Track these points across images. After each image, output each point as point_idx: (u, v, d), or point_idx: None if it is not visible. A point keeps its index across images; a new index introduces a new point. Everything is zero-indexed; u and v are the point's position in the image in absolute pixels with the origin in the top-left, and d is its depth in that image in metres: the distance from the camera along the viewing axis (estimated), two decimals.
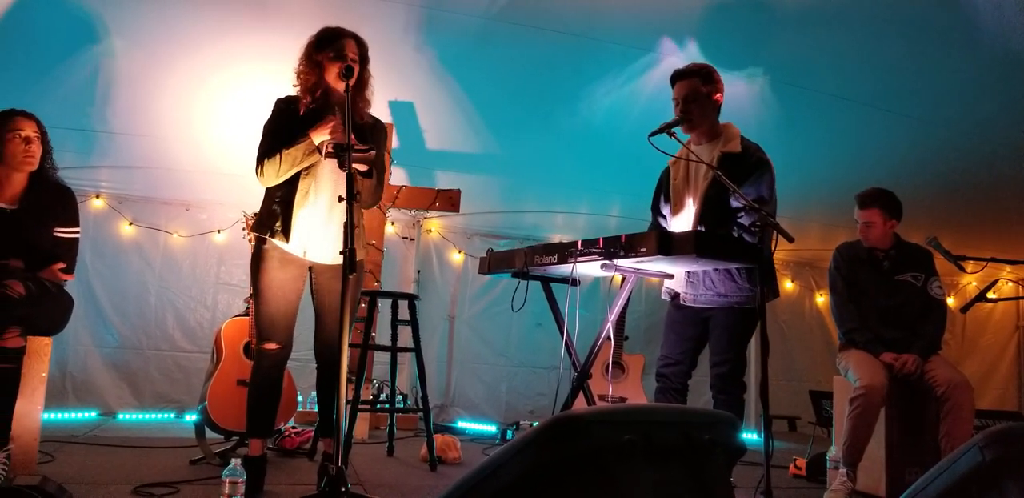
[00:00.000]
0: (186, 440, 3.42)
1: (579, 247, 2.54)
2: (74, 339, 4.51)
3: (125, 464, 2.96)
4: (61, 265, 2.66)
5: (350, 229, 2.17)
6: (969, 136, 4.32)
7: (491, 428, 4.94)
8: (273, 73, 3.09)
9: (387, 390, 4.22)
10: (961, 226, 5.41)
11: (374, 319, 3.61)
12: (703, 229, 2.62)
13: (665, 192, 2.87)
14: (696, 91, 2.67)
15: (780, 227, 2.30)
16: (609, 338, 2.87)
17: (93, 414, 4.50)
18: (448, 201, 4.63)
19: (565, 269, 2.67)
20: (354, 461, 3.26)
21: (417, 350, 3.38)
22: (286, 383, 3.03)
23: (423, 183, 4.82)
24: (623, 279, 2.75)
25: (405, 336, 3.54)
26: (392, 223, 5.13)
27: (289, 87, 2.65)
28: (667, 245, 2.31)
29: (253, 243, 2.80)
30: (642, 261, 2.42)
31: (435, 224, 5.48)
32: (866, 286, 3.29)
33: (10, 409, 2.41)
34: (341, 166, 2.29)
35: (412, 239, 5.34)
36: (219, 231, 4.90)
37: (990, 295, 3.51)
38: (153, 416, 4.61)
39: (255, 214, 2.93)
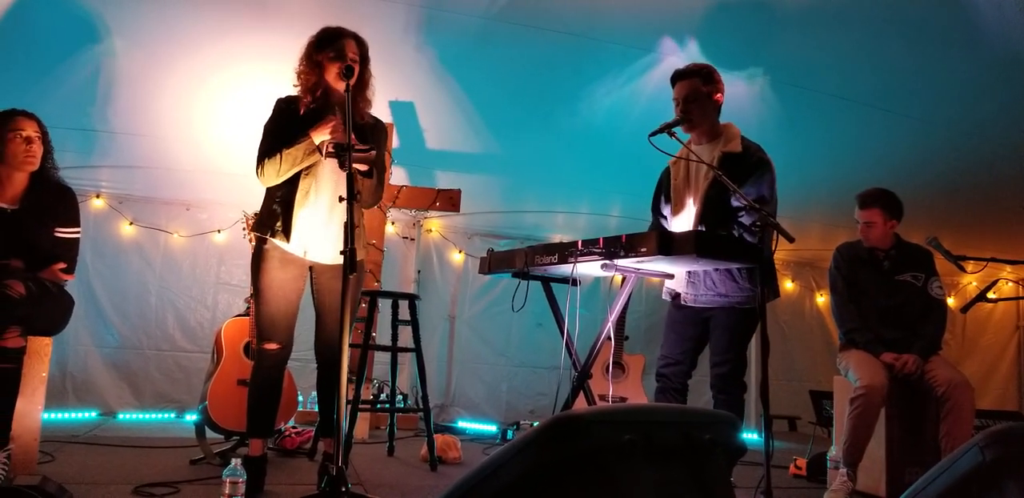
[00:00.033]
0: (186, 440, 3.42)
1: (579, 247, 2.54)
2: (74, 339, 4.51)
3: (125, 464, 2.96)
4: (62, 265, 2.66)
5: (350, 229, 2.17)
6: (969, 136, 4.32)
7: (491, 428, 4.94)
8: (273, 73, 3.09)
9: (387, 390, 4.22)
10: (961, 226, 5.41)
11: (374, 319, 3.61)
12: (703, 229, 2.62)
13: (665, 192, 2.87)
14: (696, 91, 2.67)
15: (780, 227, 2.30)
16: (609, 338, 2.87)
17: (93, 414, 4.50)
18: (448, 201, 4.63)
19: (565, 269, 2.67)
20: (354, 461, 3.26)
21: (417, 350, 3.38)
22: (286, 383, 3.03)
23: (423, 183, 4.82)
24: (623, 279, 2.75)
25: (405, 336, 3.54)
26: (392, 223, 5.13)
27: (289, 87, 2.65)
28: (667, 245, 2.31)
29: (253, 243, 2.80)
30: (642, 261, 2.42)
31: (435, 224, 5.48)
32: (866, 286, 3.29)
33: (10, 409, 2.41)
34: (341, 166, 2.29)
35: (412, 239, 5.34)
36: (219, 231, 4.90)
37: (990, 295, 3.51)
38: (153, 416, 4.61)
39: (255, 214, 2.93)
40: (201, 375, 4.04)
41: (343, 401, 2.11)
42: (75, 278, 2.80)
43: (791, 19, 3.50)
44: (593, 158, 4.68)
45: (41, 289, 2.51)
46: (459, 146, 4.65)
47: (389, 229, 5.02)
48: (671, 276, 2.76)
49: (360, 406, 3.42)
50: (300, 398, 4.19)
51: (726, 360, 2.62)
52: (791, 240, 2.29)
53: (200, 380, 3.95)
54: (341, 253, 2.17)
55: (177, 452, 3.29)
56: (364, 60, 2.63)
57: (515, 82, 4.10)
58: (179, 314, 4.82)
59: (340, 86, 2.54)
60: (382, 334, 4.33)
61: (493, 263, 3.01)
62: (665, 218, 2.88)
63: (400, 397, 4.46)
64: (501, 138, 4.53)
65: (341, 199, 2.22)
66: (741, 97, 3.82)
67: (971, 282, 6.84)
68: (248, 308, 3.43)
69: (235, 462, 2.17)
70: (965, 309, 3.53)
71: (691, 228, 2.65)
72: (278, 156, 2.51)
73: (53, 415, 4.23)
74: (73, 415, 4.41)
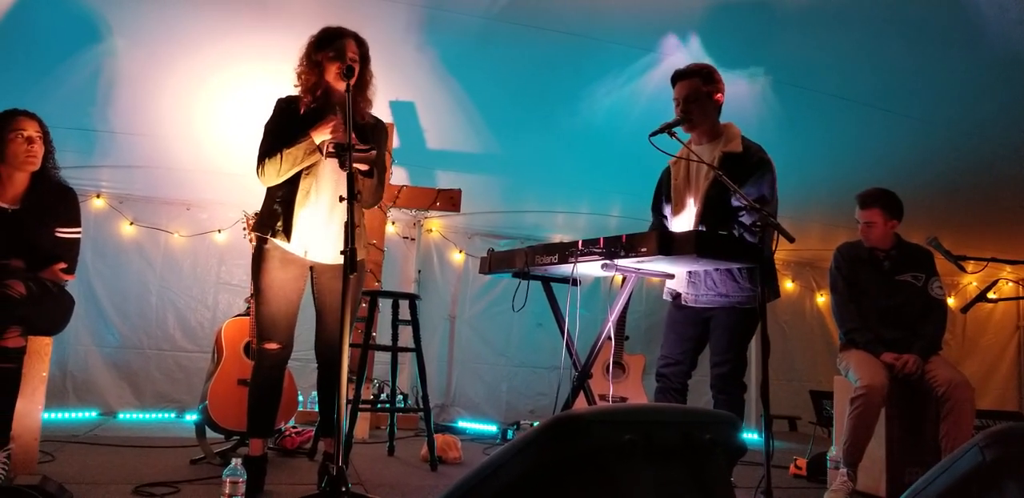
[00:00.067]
0: (186, 440, 3.43)
1: (580, 247, 2.55)
2: (75, 339, 4.52)
3: (126, 464, 2.96)
4: (62, 265, 2.66)
5: (351, 229, 2.17)
6: (969, 136, 4.32)
7: (492, 428, 4.94)
8: (274, 73, 3.10)
9: (388, 390, 4.22)
10: (961, 226, 5.41)
11: (375, 319, 3.61)
12: (704, 229, 2.62)
13: (666, 192, 2.87)
14: (697, 91, 2.67)
15: (781, 227, 2.30)
16: (610, 338, 2.87)
17: (94, 414, 4.50)
18: (449, 201, 4.63)
19: (566, 269, 2.67)
20: (355, 461, 3.26)
21: (418, 350, 3.38)
22: (287, 383, 3.03)
23: (424, 183, 4.82)
24: (624, 279, 2.75)
25: (406, 336, 3.54)
26: (393, 223, 5.13)
27: (290, 87, 2.65)
28: (668, 245, 2.31)
29: (254, 243, 2.80)
30: (643, 261, 2.42)
31: (436, 224, 5.48)
32: (867, 286, 3.29)
33: (11, 409, 2.41)
34: (342, 166, 2.29)
35: (413, 239, 5.34)
36: (220, 231, 4.90)
37: (990, 295, 3.51)
38: (154, 416, 4.61)
39: (256, 214, 2.93)
40: (201, 375, 4.04)
41: (343, 401, 2.11)
42: (75, 278, 2.79)
43: (791, 19, 3.50)
44: (593, 158, 4.68)
45: (42, 289, 2.51)
46: (460, 146, 4.65)
47: (389, 229, 5.02)
48: (671, 276, 2.76)
49: (360, 406, 3.42)
50: (300, 398, 4.19)
51: (726, 360, 2.62)
52: (791, 240, 2.29)
53: (200, 380, 3.95)
54: (341, 253, 2.17)
55: (177, 452, 3.29)
56: (364, 60, 2.63)
57: (515, 82, 4.10)
58: (179, 314, 4.82)
59: (340, 86, 2.54)
60: (382, 334, 4.33)
61: (493, 263, 3.01)
62: (665, 218, 2.88)
63: (400, 397, 4.46)
64: (501, 138, 4.53)
65: (341, 199, 2.22)
66: (741, 97, 3.82)
67: (971, 282, 6.84)
68: (248, 308, 3.43)
69: (235, 462, 2.17)
70: (965, 309, 3.53)
71: (691, 228, 2.65)
72: (279, 156, 2.51)
73: (53, 415, 4.23)
74: (73, 415, 4.41)
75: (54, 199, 2.69)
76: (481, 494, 1.08)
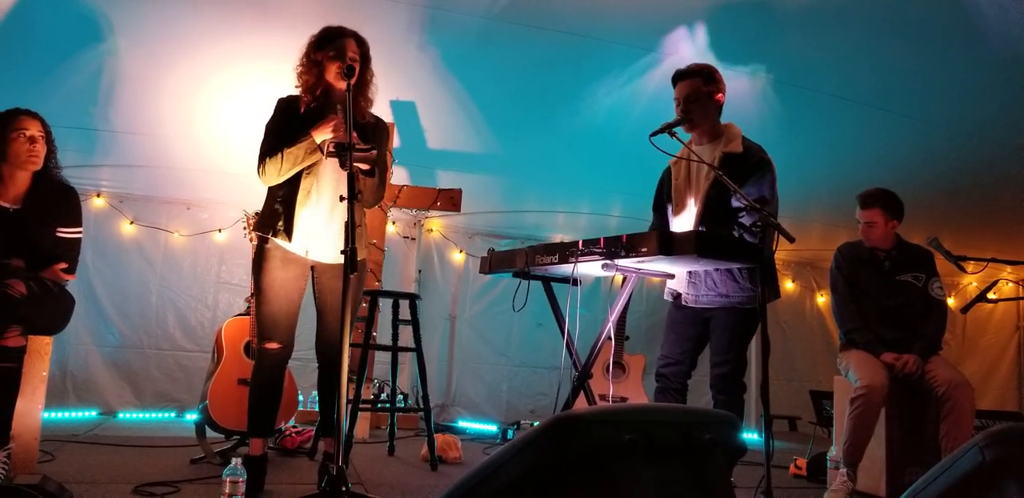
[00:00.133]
0: (187, 439, 3.43)
1: (580, 247, 2.55)
2: (75, 338, 4.51)
3: (125, 463, 2.96)
4: (63, 265, 2.65)
5: (351, 228, 2.17)
6: (970, 136, 4.33)
7: (492, 428, 4.94)
8: (275, 73, 3.10)
9: (388, 389, 4.22)
10: (962, 226, 5.41)
11: (375, 318, 3.61)
12: (704, 229, 2.62)
13: (667, 192, 2.87)
14: (698, 91, 2.67)
15: (781, 227, 2.30)
16: (610, 338, 2.87)
17: (93, 413, 4.50)
18: (449, 201, 4.63)
19: (566, 269, 2.67)
20: (355, 460, 3.26)
21: (418, 350, 3.38)
22: (287, 383, 3.03)
23: (424, 183, 4.82)
24: (624, 279, 2.75)
25: (406, 335, 3.54)
26: (393, 222, 5.13)
27: (291, 87, 2.65)
28: (668, 245, 2.31)
29: (255, 242, 2.80)
30: (643, 261, 2.42)
31: (436, 224, 5.48)
32: (867, 286, 3.29)
33: (11, 408, 2.41)
34: (342, 165, 2.29)
35: (413, 238, 5.34)
36: (220, 230, 4.90)
37: (990, 295, 3.52)
38: (154, 415, 4.61)
39: (256, 213, 2.93)
40: (201, 374, 4.04)
41: (343, 401, 2.11)
42: (76, 278, 2.79)
43: (791, 19, 3.50)
44: (594, 158, 4.68)
45: (42, 289, 2.51)
46: (460, 146, 4.65)
47: (390, 229, 5.02)
48: (672, 276, 2.76)
49: (360, 406, 3.42)
50: (300, 398, 4.19)
51: (726, 360, 2.62)
52: (791, 240, 2.29)
53: (200, 379, 3.95)
54: (342, 252, 2.17)
55: (177, 451, 3.29)
56: (365, 59, 2.63)
57: (516, 82, 4.10)
58: (180, 313, 4.82)
59: (341, 85, 2.54)
60: (383, 334, 4.33)
61: (494, 263, 3.01)
62: (666, 218, 2.88)
63: (400, 397, 4.46)
64: (502, 138, 4.53)
65: (342, 198, 2.22)
66: (742, 96, 3.83)
67: (971, 282, 6.84)
68: (248, 307, 3.43)
69: (235, 461, 2.17)
70: (965, 309, 3.53)
71: (692, 228, 2.65)
72: (279, 155, 2.51)
73: (53, 414, 4.23)
74: (73, 414, 4.41)
75: (56, 199, 2.69)
76: (481, 494, 1.08)
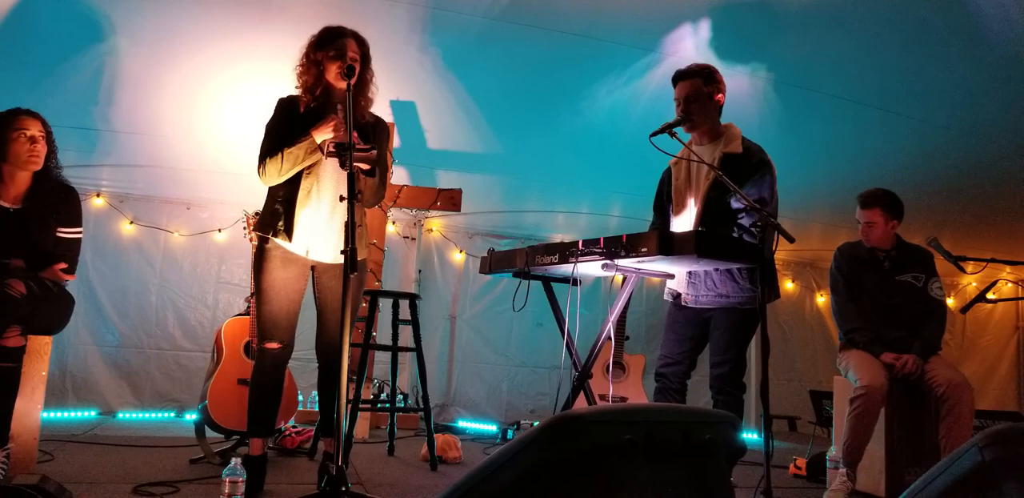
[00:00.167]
0: (186, 439, 3.43)
1: (580, 247, 2.55)
2: (74, 338, 4.51)
3: (125, 463, 2.96)
4: (63, 265, 2.65)
5: (351, 228, 2.17)
6: (969, 136, 4.33)
7: (492, 428, 4.94)
8: (275, 73, 3.10)
9: (388, 389, 4.22)
10: (961, 227, 5.42)
11: (375, 318, 3.61)
12: (704, 230, 2.62)
13: (667, 192, 2.87)
14: (698, 91, 2.67)
15: (781, 227, 2.30)
16: (610, 338, 2.87)
17: (93, 413, 4.50)
18: (449, 201, 4.63)
19: (566, 269, 2.67)
20: (354, 460, 3.26)
21: (418, 350, 3.38)
22: (287, 383, 3.03)
23: (424, 182, 4.82)
24: (624, 279, 2.75)
25: (406, 335, 3.54)
26: (393, 222, 5.13)
27: (291, 87, 2.65)
28: (668, 245, 2.31)
29: (255, 242, 2.81)
30: (643, 261, 2.42)
31: (436, 224, 5.48)
32: (867, 286, 3.29)
33: (10, 408, 2.41)
34: (342, 165, 2.29)
35: (413, 238, 5.34)
36: (220, 230, 4.90)
37: (990, 296, 3.52)
38: (153, 415, 4.61)
39: (256, 213, 2.92)
40: (201, 374, 4.05)
41: (343, 400, 2.11)
42: (76, 278, 2.79)
43: (792, 20, 3.50)
44: (594, 158, 4.68)
45: (42, 288, 2.51)
46: (460, 146, 4.66)
47: (390, 229, 5.02)
48: (671, 276, 2.76)
49: (360, 406, 3.42)
50: (300, 398, 4.19)
51: (726, 360, 2.62)
52: (791, 240, 2.29)
53: (200, 379, 3.95)
54: (342, 252, 2.17)
55: (177, 451, 3.29)
56: (365, 59, 2.63)
57: (516, 82, 4.10)
58: (179, 313, 4.82)
59: (341, 85, 2.54)
60: (383, 333, 4.33)
61: (494, 263, 3.01)
62: (667, 218, 2.88)
63: (400, 397, 4.46)
64: (502, 138, 4.54)
65: (342, 198, 2.22)
66: (742, 96, 3.83)
67: (971, 283, 6.84)
68: (248, 307, 3.43)
69: (235, 461, 2.17)
70: (965, 309, 3.54)
71: (692, 228, 2.65)
72: (280, 155, 2.51)
73: (53, 414, 4.23)
74: (73, 414, 4.41)
75: (56, 199, 2.69)
76: (481, 494, 1.08)
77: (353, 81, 2.42)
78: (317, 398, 2.93)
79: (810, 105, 4.12)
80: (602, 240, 2.48)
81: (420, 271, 5.35)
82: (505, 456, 1.07)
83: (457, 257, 5.52)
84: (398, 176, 4.73)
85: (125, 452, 3.24)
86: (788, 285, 6.39)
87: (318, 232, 2.60)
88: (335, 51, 2.55)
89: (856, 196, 3.34)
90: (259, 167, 2.56)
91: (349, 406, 3.14)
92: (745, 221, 2.54)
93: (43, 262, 2.61)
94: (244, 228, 3.67)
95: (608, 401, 3.98)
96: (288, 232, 2.55)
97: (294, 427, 3.60)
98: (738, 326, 2.64)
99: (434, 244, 5.50)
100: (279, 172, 2.54)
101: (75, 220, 2.75)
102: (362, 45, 2.63)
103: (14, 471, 2.38)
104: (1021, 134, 4.24)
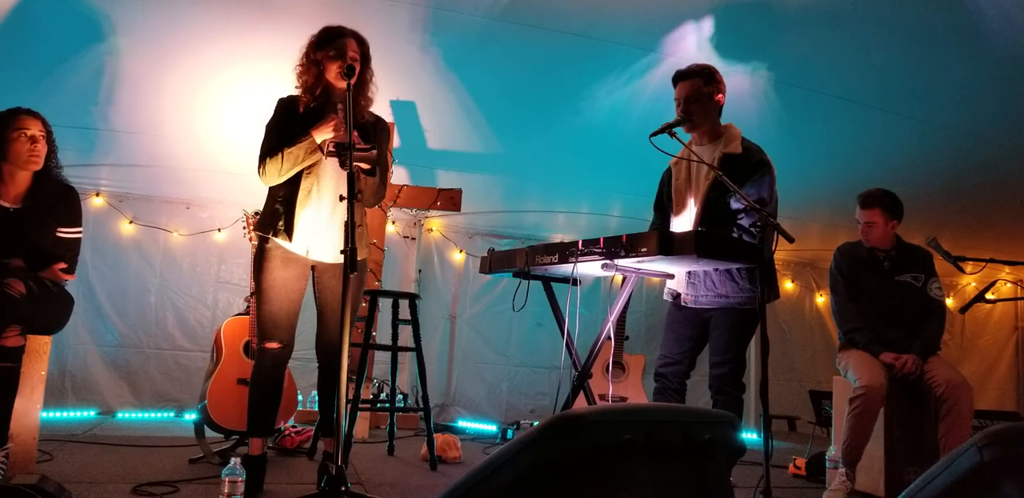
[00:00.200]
0: (186, 439, 3.43)
1: (580, 247, 2.55)
2: (74, 338, 4.51)
3: (124, 463, 2.96)
4: (62, 265, 2.65)
5: (351, 228, 2.17)
6: (969, 137, 4.33)
7: (492, 427, 4.94)
8: (276, 73, 3.09)
9: (387, 389, 4.22)
10: (961, 227, 5.42)
11: (375, 318, 3.61)
12: (703, 230, 2.62)
13: (667, 192, 2.88)
14: (698, 91, 2.67)
15: (781, 228, 2.31)
16: (610, 338, 2.87)
17: (92, 413, 4.49)
18: (449, 200, 4.63)
19: (566, 269, 2.67)
20: (354, 460, 3.26)
21: (418, 349, 3.38)
22: (286, 382, 3.03)
23: (424, 182, 4.82)
24: (624, 279, 2.75)
25: (406, 335, 3.54)
26: (393, 222, 5.13)
27: (291, 87, 2.65)
28: (668, 245, 2.31)
29: (255, 242, 2.81)
30: (643, 261, 2.42)
31: (436, 223, 5.49)
32: (867, 286, 3.29)
33: (9, 408, 2.41)
34: (342, 165, 2.29)
35: (413, 238, 5.34)
36: (219, 230, 4.90)
37: (989, 296, 3.52)
38: (152, 415, 4.61)
39: (256, 213, 2.92)
40: (201, 374, 4.05)
41: (343, 400, 2.11)
42: (75, 278, 2.79)
43: (792, 20, 3.50)
44: (594, 158, 4.69)
45: (41, 288, 2.51)
46: (460, 146, 4.66)
47: (390, 228, 5.02)
48: (671, 276, 2.76)
49: (360, 405, 3.42)
50: (300, 397, 4.19)
51: (725, 361, 2.62)
52: (791, 240, 2.29)
53: (200, 379, 3.95)
54: (342, 252, 2.17)
55: (176, 451, 3.29)
56: (365, 59, 2.63)
57: (517, 82, 4.10)
58: (179, 313, 4.82)
59: (341, 85, 2.54)
60: (382, 333, 4.33)
61: (494, 263, 3.01)
62: (667, 218, 2.88)
63: (400, 396, 4.46)
64: (502, 138, 4.54)
65: (342, 198, 2.22)
66: (742, 96, 3.83)
67: (970, 283, 6.84)
68: (248, 307, 3.43)
69: (234, 461, 2.17)
70: (964, 310, 3.54)
71: (691, 229, 2.65)
72: (280, 155, 2.51)
73: (52, 414, 4.23)
74: (72, 414, 4.41)
75: (56, 199, 2.69)
76: (481, 494, 1.08)
77: (353, 81, 2.42)
78: (317, 398, 2.93)
79: (810, 105, 4.12)
80: (602, 240, 2.48)
81: (420, 271, 5.35)
82: (505, 456, 1.07)
83: (457, 257, 5.52)
84: (398, 176, 4.73)
85: (124, 452, 3.24)
86: (788, 285, 6.39)
87: (318, 232, 2.60)
88: (335, 51, 2.55)
89: (856, 196, 3.34)
90: (259, 167, 2.56)
91: (349, 406, 3.14)
92: (745, 221, 2.54)
93: (43, 262, 2.61)
94: (244, 228, 3.67)
95: (608, 401, 3.98)
96: (288, 232, 2.55)
97: (294, 427, 3.60)
98: (738, 326, 2.64)
99: (434, 244, 5.50)
100: (279, 172, 2.54)
101: (75, 220, 2.75)
102: (362, 45, 2.63)
103: (13, 471, 2.38)
104: (1021, 134, 4.24)
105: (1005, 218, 5.41)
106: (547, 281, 2.97)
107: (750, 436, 5.47)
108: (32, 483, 2.02)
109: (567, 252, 2.60)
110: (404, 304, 3.51)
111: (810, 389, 4.91)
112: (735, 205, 2.56)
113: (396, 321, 3.62)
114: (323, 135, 2.51)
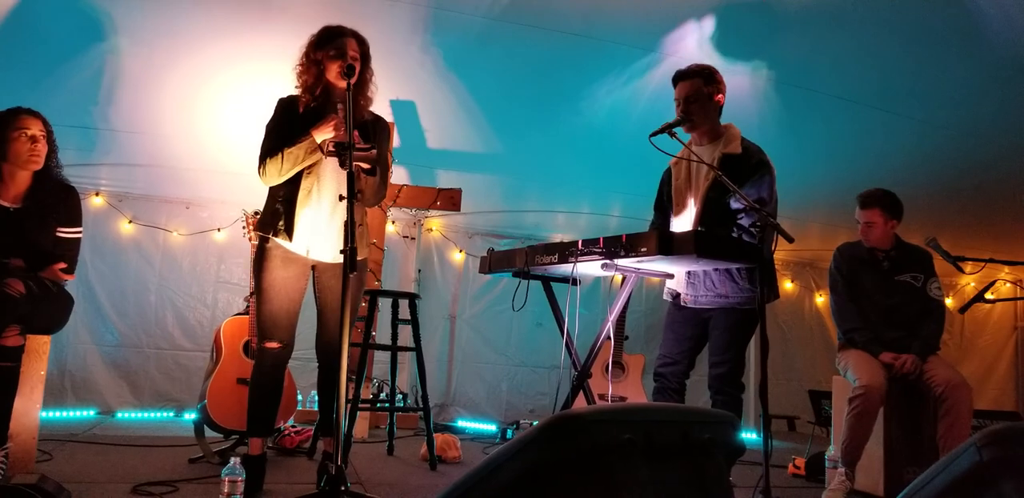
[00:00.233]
0: (185, 439, 3.43)
1: (580, 247, 2.55)
2: (73, 337, 4.51)
3: (124, 463, 2.96)
4: (62, 265, 2.65)
5: (351, 228, 2.17)
6: (969, 137, 4.33)
7: (491, 427, 4.94)
8: (276, 72, 3.09)
9: (387, 389, 4.22)
10: (960, 227, 5.42)
11: (375, 318, 3.61)
12: (703, 229, 2.62)
13: (667, 192, 2.88)
14: (698, 91, 2.67)
15: (780, 228, 2.31)
16: (609, 338, 2.87)
17: (92, 413, 4.49)
18: (449, 200, 4.63)
19: (566, 269, 2.67)
20: (354, 460, 3.26)
21: (417, 349, 3.38)
22: (286, 382, 3.03)
23: (424, 182, 4.82)
24: (623, 279, 2.75)
25: (405, 335, 3.54)
26: (393, 222, 5.13)
27: (291, 87, 2.65)
28: (667, 245, 2.31)
29: (255, 242, 2.81)
30: (642, 261, 2.42)
31: (436, 223, 5.49)
32: (866, 286, 3.30)
33: (9, 407, 2.41)
34: (342, 165, 2.29)
35: (413, 238, 5.34)
36: (219, 229, 4.90)
37: (988, 296, 3.52)
38: (152, 415, 4.61)
39: (256, 213, 2.92)
40: (200, 374, 4.04)
41: (343, 400, 2.11)
42: (75, 278, 2.79)
43: (792, 20, 3.50)
44: (594, 158, 4.69)
45: (41, 288, 2.51)
46: (460, 145, 4.66)
47: (390, 228, 5.02)
48: (671, 276, 2.76)
49: (360, 405, 3.42)
50: (300, 397, 4.19)
51: (724, 360, 2.63)
52: (791, 240, 2.29)
53: (199, 379, 3.95)
54: (342, 252, 2.17)
55: (176, 451, 3.29)
56: (365, 58, 2.63)
57: (517, 82, 4.10)
58: (178, 312, 4.81)
59: (341, 84, 2.54)
60: (382, 333, 4.33)
61: (494, 262, 3.01)
62: (668, 217, 2.88)
63: (400, 396, 4.46)
64: (502, 137, 4.54)
65: (342, 198, 2.22)
66: (742, 96, 3.83)
67: (969, 283, 6.84)
68: (248, 307, 3.43)
69: (234, 461, 2.17)
70: (963, 310, 3.54)
71: (691, 228, 2.66)
72: (280, 155, 2.51)
73: (51, 414, 4.23)
74: (71, 414, 4.41)
75: (56, 199, 2.69)
76: (481, 493, 1.08)
77: (353, 80, 2.42)
78: (317, 398, 2.93)
79: (810, 105, 4.12)
80: (602, 240, 2.48)
81: (420, 271, 5.35)
82: (504, 456, 1.08)
83: (457, 257, 5.52)
84: (398, 176, 4.73)
85: (124, 451, 3.24)
86: (787, 285, 6.39)
87: (318, 232, 2.61)
88: (335, 50, 2.55)
89: (855, 196, 3.34)
90: (259, 167, 2.56)
91: (348, 406, 3.14)
92: (744, 221, 2.55)
93: (42, 262, 2.61)
94: (244, 228, 3.67)
95: (607, 401, 3.98)
96: (288, 232, 2.56)
97: (293, 427, 3.60)
98: (737, 326, 2.64)
99: (434, 244, 5.50)
100: (279, 172, 2.54)
101: (75, 220, 2.74)
102: (362, 44, 2.63)
103: (13, 470, 2.38)
104: (1021, 134, 4.24)
105: (1005, 218, 5.41)
106: (547, 281, 2.97)
107: (750, 436, 5.47)
108: (32, 483, 2.02)
109: (567, 252, 2.60)
110: (404, 304, 3.51)
111: (809, 389, 4.91)
112: (735, 205, 2.57)
113: (396, 321, 3.62)
114: (323, 135, 2.51)
